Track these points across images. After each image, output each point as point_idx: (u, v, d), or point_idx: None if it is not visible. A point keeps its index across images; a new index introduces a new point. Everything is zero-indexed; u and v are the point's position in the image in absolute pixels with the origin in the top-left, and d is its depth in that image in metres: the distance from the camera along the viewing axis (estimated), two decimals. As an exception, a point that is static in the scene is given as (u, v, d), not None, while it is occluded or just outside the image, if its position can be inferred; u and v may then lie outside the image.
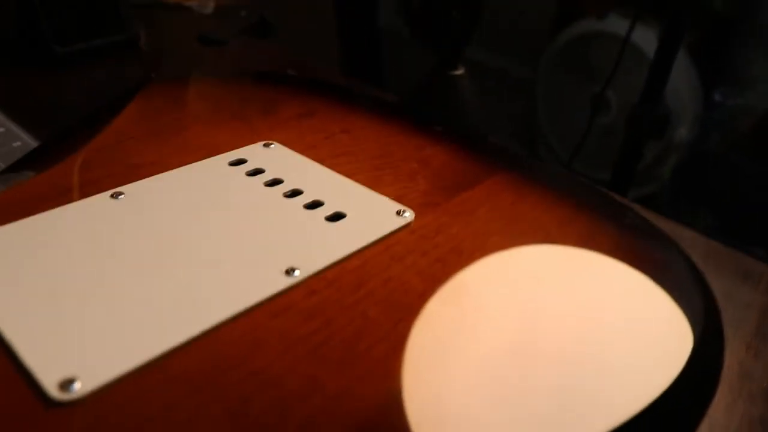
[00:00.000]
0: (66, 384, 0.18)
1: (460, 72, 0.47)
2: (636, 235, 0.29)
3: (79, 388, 0.18)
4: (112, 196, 0.27)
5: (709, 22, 1.10)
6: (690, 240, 0.42)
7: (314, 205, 0.28)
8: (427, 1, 0.45)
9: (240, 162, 0.31)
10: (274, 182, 0.29)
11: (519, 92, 1.27)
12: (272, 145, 0.32)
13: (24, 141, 0.43)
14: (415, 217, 0.28)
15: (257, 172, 0.30)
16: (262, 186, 0.29)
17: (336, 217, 0.27)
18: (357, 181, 0.30)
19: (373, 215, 0.27)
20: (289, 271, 0.23)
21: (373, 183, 0.30)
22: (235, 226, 0.26)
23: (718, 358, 0.24)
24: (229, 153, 0.31)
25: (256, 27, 0.60)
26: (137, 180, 0.28)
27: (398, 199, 0.29)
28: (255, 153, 0.31)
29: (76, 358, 0.19)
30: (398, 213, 0.28)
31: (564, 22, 1.18)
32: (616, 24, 0.97)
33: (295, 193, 0.29)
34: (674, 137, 1.09)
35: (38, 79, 0.53)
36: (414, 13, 0.47)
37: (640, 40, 0.94)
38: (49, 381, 0.18)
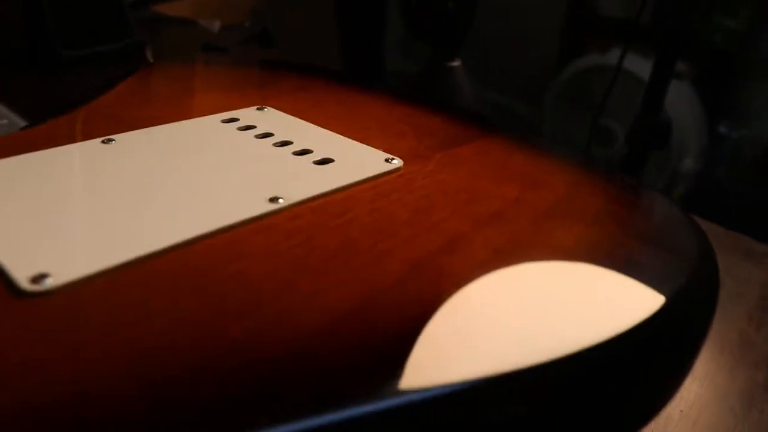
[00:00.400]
0: (38, 278, 0.18)
1: (456, 63, 0.48)
2: (620, 184, 0.29)
3: (50, 282, 0.18)
4: (103, 141, 0.28)
5: (711, 56, 1.12)
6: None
7: (303, 152, 0.28)
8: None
9: (232, 120, 0.31)
10: (265, 135, 0.30)
11: (524, 130, 1.29)
12: (265, 109, 0.33)
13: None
14: (404, 164, 0.28)
15: (248, 128, 0.30)
16: (252, 137, 0.29)
17: (324, 162, 0.27)
18: (348, 137, 0.30)
19: (362, 161, 0.28)
20: (274, 199, 0.24)
21: (363, 140, 0.30)
22: (223, 165, 0.26)
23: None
24: (222, 113, 0.32)
25: (259, 37, 0.62)
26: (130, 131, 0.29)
27: (387, 152, 0.29)
28: (248, 113, 0.32)
29: (50, 257, 0.19)
30: (387, 160, 0.28)
31: (567, 58, 1.21)
32: (616, 57, 0.99)
33: (284, 144, 0.29)
34: (680, 168, 1.10)
35: (44, 79, 0.54)
36: (413, 8, 0.48)
37: (642, 72, 0.96)
38: (21, 275, 0.18)
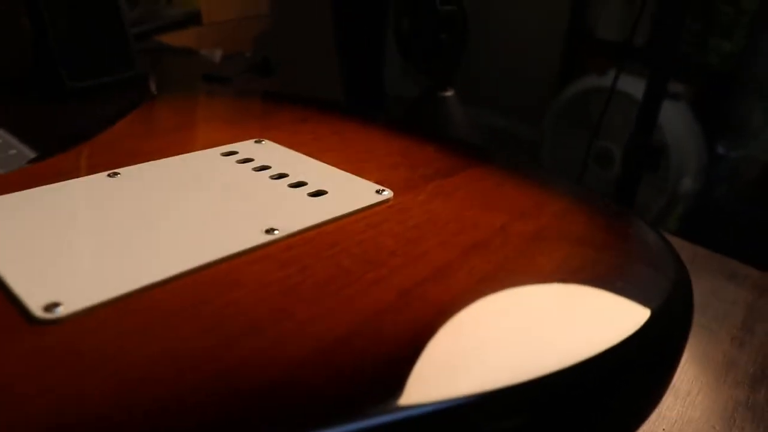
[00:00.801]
0: (51, 307, 0.20)
1: (449, 93, 0.50)
2: (607, 214, 0.31)
3: (62, 310, 0.20)
4: (109, 175, 0.29)
5: (708, 77, 1.14)
6: (675, 245, 0.43)
7: (298, 185, 0.30)
8: (416, 26, 0.49)
9: (232, 153, 0.33)
10: (262, 168, 0.31)
11: (524, 152, 1.31)
12: (263, 141, 0.35)
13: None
14: (395, 195, 0.30)
15: (247, 160, 0.32)
16: (250, 170, 0.31)
17: (318, 193, 0.29)
18: (342, 170, 0.32)
19: (354, 193, 0.29)
20: (269, 230, 0.25)
21: (357, 172, 0.32)
22: (222, 197, 0.28)
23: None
24: (222, 146, 0.34)
25: (260, 66, 0.64)
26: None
27: (380, 183, 0.31)
28: (246, 146, 0.34)
29: (62, 287, 0.21)
30: (378, 192, 0.29)
31: (566, 81, 1.23)
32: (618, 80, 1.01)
33: (281, 176, 0.31)
34: (679, 189, 1.11)
35: (49, 109, 0.56)
36: (403, 36, 0.50)
37: (639, 93, 0.98)
38: (35, 304, 0.20)
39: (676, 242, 0.44)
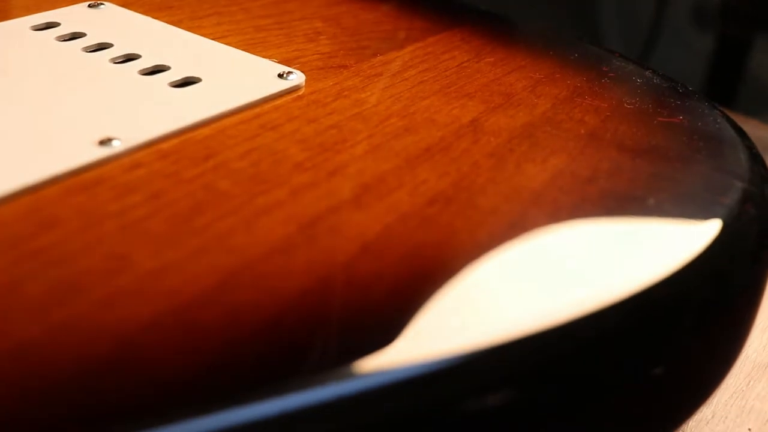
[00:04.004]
0: None
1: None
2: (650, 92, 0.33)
3: None
4: None
5: None
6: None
7: (155, 71, 0.31)
8: None
9: (50, 26, 0.34)
10: (99, 48, 0.32)
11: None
12: (102, 6, 0.36)
13: None
14: (308, 80, 0.31)
15: (75, 36, 0.33)
16: (80, 51, 0.32)
17: (185, 83, 0.30)
18: (228, 44, 0.33)
19: (242, 79, 0.31)
20: (105, 141, 0.26)
21: (252, 46, 0.33)
22: (32, 95, 0.29)
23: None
24: (34, 15, 0.34)
25: None
26: None
27: (286, 62, 0.32)
28: (74, 13, 0.35)
29: None
30: (280, 76, 0.31)
31: None
32: None
33: (128, 59, 0.32)
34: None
35: None
36: None
37: None
38: None
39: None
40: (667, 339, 0.24)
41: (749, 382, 0.33)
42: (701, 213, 0.26)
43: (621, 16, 1.23)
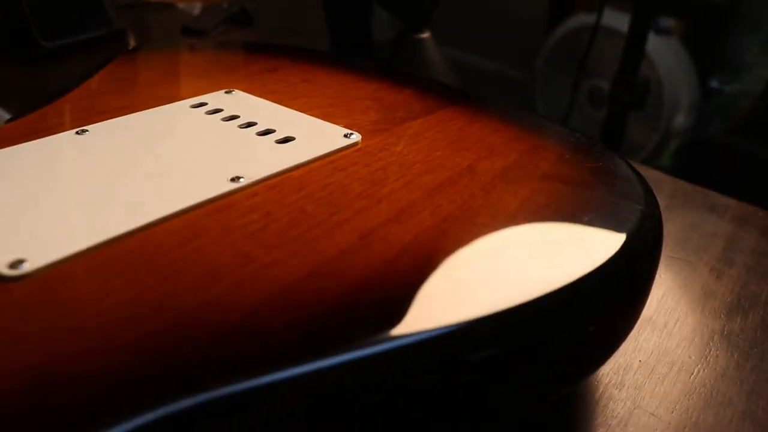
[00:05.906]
0: (16, 264, 0.20)
1: (425, 35, 0.49)
2: (579, 149, 0.31)
3: (27, 266, 0.20)
4: (77, 132, 0.29)
5: (701, 10, 1.11)
6: (656, 180, 0.43)
7: (266, 132, 0.30)
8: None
9: (201, 105, 0.33)
10: (231, 118, 0.31)
11: (516, 93, 1.30)
12: (233, 92, 0.34)
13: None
14: (363, 138, 0.29)
15: (216, 111, 0.32)
16: (219, 120, 0.31)
17: (285, 140, 0.29)
18: (312, 116, 0.32)
19: (322, 137, 0.29)
20: (235, 179, 0.25)
21: (327, 117, 0.32)
22: (189, 149, 0.28)
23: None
24: (192, 99, 0.33)
25: (237, 17, 0.63)
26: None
27: (349, 127, 0.30)
28: (216, 97, 0.33)
29: (26, 243, 0.21)
30: (346, 136, 0.29)
31: (556, 20, 1.21)
32: (607, 17, 0.99)
33: (249, 125, 0.30)
34: (672, 125, 1.10)
35: (26, 71, 0.56)
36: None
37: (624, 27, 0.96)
38: (0, 262, 0.20)
39: (658, 177, 0.44)
40: (595, 307, 0.22)
41: (638, 329, 0.31)
42: (615, 226, 0.25)
43: (547, 102, 1.22)
